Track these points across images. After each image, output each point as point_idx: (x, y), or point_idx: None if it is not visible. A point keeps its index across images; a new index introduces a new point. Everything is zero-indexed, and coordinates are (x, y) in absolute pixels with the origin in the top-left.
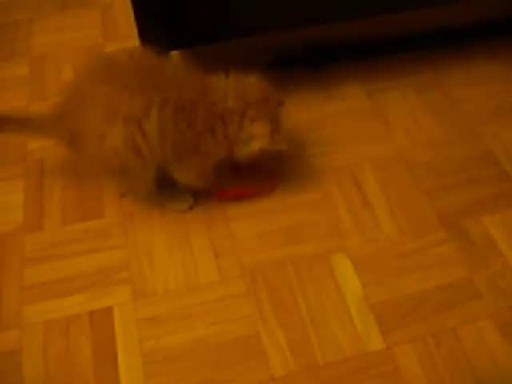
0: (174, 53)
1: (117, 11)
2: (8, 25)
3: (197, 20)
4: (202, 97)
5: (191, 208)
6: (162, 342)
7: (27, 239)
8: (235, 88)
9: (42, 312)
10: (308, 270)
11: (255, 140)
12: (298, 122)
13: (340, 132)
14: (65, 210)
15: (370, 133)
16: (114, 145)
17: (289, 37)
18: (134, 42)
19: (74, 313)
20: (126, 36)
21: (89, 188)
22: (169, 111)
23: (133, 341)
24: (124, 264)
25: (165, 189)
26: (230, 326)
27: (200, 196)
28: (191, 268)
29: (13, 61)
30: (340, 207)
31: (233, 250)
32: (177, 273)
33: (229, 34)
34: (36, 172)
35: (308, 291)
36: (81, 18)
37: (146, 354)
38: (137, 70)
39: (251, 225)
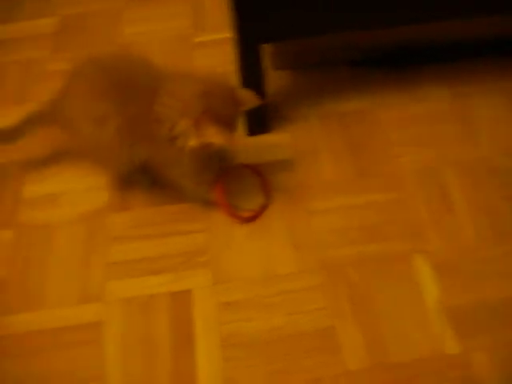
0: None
1: (208, 3)
2: (101, 12)
3: (290, 14)
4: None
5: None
6: (239, 328)
7: (114, 218)
8: (175, 88)
9: (124, 288)
10: (386, 268)
11: (185, 137)
12: (381, 121)
13: (423, 134)
14: (149, 192)
15: (453, 136)
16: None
17: (377, 36)
18: (223, 34)
19: (155, 292)
20: (215, 28)
21: None
22: (121, 123)
23: (211, 324)
24: (205, 248)
25: None
26: (305, 318)
27: (280, 189)
28: (270, 258)
29: (102, 48)
30: (421, 209)
31: (312, 243)
32: (255, 261)
33: (320, 29)
34: None
35: (385, 290)
36: (172, 8)
37: (224, 337)
38: (112, 76)
39: (331, 220)
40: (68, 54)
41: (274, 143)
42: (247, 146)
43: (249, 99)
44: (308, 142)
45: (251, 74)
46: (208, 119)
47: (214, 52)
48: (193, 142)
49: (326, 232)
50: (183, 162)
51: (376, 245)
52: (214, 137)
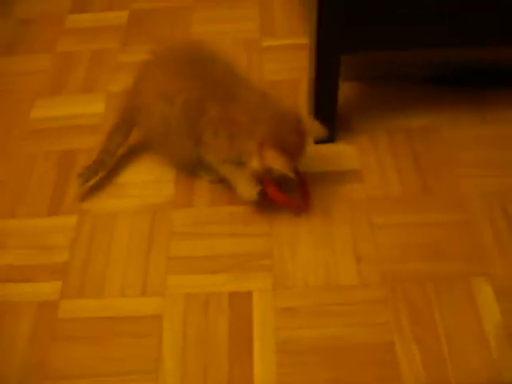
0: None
1: (276, 8)
2: (171, 9)
3: (375, 25)
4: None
5: (220, 180)
6: (296, 334)
7: (177, 214)
8: (249, 104)
9: (184, 284)
10: (447, 289)
11: (248, 157)
12: (448, 140)
13: (491, 156)
14: (214, 191)
15: None
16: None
17: (450, 53)
18: (290, 40)
19: (215, 291)
20: (282, 33)
21: None
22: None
23: (269, 328)
24: (267, 252)
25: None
26: (364, 331)
27: (345, 200)
28: (332, 267)
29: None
30: (485, 232)
31: (375, 256)
32: (317, 269)
33: (406, 43)
34: None
35: (445, 310)
36: (240, 11)
37: (280, 342)
38: (188, 61)
39: (395, 235)
40: (137, 47)
41: (339, 153)
42: (313, 153)
43: (315, 130)
44: (373, 154)
45: (327, 84)
46: (272, 144)
47: (282, 57)
48: (255, 164)
49: (388, 246)
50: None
51: (437, 264)
52: (276, 163)
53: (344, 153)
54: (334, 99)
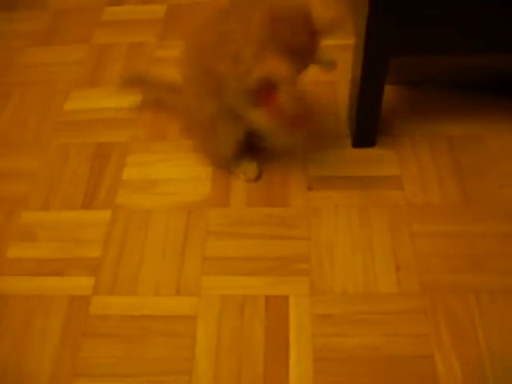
0: None
1: (315, 8)
2: (208, 5)
3: (422, 27)
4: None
5: (256, 179)
6: (333, 342)
7: (213, 213)
8: (243, 11)
9: (220, 285)
10: (490, 302)
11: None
12: (490, 148)
13: None
14: (251, 191)
15: None
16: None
17: (494, 60)
18: (329, 41)
19: (251, 293)
20: None
21: (276, 174)
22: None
23: (306, 334)
24: (305, 256)
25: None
26: (403, 341)
27: (385, 206)
28: (371, 275)
29: None
30: None
31: (414, 265)
32: (356, 276)
33: (458, 47)
34: None
35: (488, 325)
36: None
37: (317, 350)
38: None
39: (436, 244)
40: (174, 42)
41: (379, 158)
42: (352, 157)
43: (327, 25)
44: (414, 161)
45: (373, 87)
46: (272, 48)
47: None
48: (255, 74)
49: (429, 256)
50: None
51: (479, 276)
52: (277, 68)
53: (383, 158)
54: (379, 103)
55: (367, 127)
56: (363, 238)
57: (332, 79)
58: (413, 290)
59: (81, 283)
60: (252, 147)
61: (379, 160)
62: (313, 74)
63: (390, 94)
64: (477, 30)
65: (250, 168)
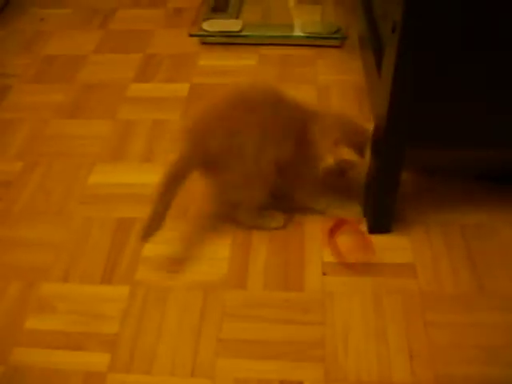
0: None
1: (333, 94)
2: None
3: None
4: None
5: (283, 227)
6: None
7: (229, 294)
8: (322, 120)
9: (234, 368)
10: None
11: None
12: (503, 239)
13: None
14: (267, 275)
15: None
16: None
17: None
18: None
19: (265, 377)
20: None
21: (293, 258)
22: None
23: None
24: (319, 342)
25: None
26: None
27: (398, 293)
28: (385, 363)
29: None
30: None
31: (428, 355)
32: (370, 364)
33: (477, 144)
34: (244, 231)
35: None
36: (298, 93)
37: None
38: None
39: (449, 334)
40: None
41: (393, 245)
42: (367, 243)
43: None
44: (427, 249)
45: (389, 175)
46: (343, 142)
47: None
48: (331, 159)
49: (443, 346)
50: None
51: (494, 368)
52: (348, 155)
53: (398, 245)
54: (395, 191)
55: (383, 214)
56: (377, 325)
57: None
58: (427, 380)
59: (97, 359)
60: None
61: (394, 247)
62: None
63: (405, 181)
64: (490, 128)
65: (277, 215)
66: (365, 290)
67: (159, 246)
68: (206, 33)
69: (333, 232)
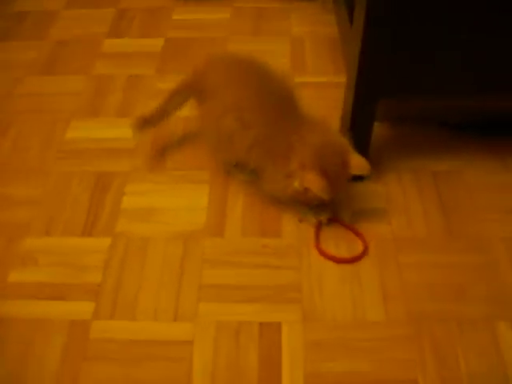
0: None
1: (307, 46)
2: (206, 40)
3: (411, 71)
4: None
5: (325, 222)
6: (325, 368)
7: (208, 242)
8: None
9: (215, 312)
10: (471, 331)
11: (292, 177)
12: (471, 185)
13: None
14: (245, 222)
15: None
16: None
17: (479, 101)
18: (321, 78)
19: (245, 320)
20: (316, 71)
21: (269, 206)
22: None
23: (297, 360)
24: (295, 285)
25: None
26: (390, 366)
27: (372, 238)
28: (359, 303)
29: None
30: (509, 276)
31: (401, 295)
32: (345, 305)
33: (446, 91)
34: (221, 181)
35: (469, 352)
36: (271, 45)
37: (307, 375)
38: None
39: (421, 274)
40: (171, 76)
41: (366, 191)
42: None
43: (360, 166)
44: (399, 195)
45: (362, 125)
46: (313, 167)
47: (316, 94)
48: (296, 184)
49: (414, 285)
50: (286, 194)
51: (462, 305)
52: (313, 184)
53: (371, 191)
54: (368, 140)
55: None
56: (351, 269)
57: (326, 115)
58: (399, 317)
59: (81, 308)
60: None
61: (367, 193)
62: (307, 109)
63: (377, 130)
64: (465, 74)
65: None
66: (339, 235)
67: (138, 199)
68: None
69: (317, 237)
